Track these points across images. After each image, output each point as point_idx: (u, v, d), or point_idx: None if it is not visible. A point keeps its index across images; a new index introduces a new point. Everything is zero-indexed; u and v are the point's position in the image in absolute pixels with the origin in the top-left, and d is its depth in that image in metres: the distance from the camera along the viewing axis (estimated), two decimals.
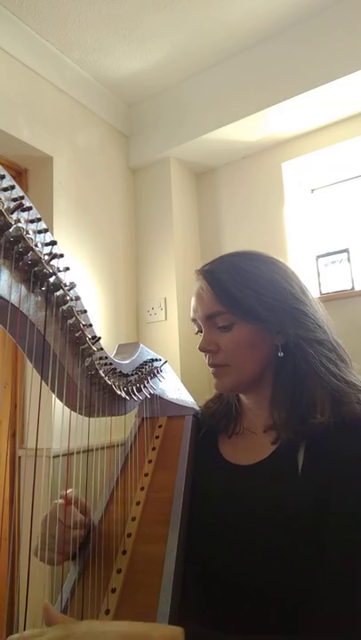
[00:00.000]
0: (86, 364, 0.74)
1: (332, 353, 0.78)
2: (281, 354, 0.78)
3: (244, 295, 0.77)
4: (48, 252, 0.60)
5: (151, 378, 0.96)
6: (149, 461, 0.91)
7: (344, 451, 0.70)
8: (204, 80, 2.20)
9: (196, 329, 0.87)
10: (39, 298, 0.62)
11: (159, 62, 2.10)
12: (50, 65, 1.99)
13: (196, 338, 0.87)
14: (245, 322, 0.78)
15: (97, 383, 0.78)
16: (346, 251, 2.10)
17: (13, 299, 0.56)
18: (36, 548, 0.76)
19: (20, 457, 1.82)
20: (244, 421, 0.88)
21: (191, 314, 0.86)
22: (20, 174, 2.02)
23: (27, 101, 1.89)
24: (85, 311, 0.71)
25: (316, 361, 0.75)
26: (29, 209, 0.55)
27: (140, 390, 0.90)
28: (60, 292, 0.64)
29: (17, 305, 0.56)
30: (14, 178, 1.80)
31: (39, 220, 0.58)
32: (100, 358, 0.77)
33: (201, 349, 0.82)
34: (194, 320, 0.86)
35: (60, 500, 0.78)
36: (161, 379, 1.02)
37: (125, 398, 0.85)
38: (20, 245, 0.55)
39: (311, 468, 0.71)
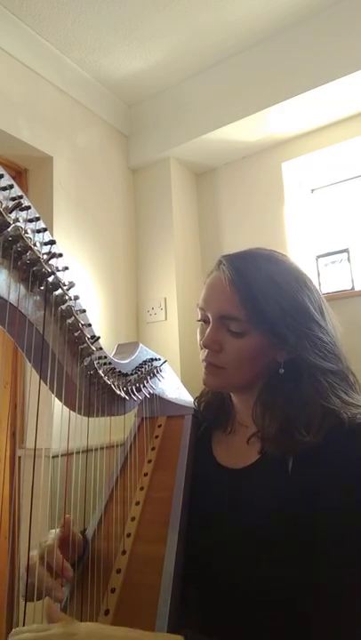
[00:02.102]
0: (85, 364, 0.74)
1: (343, 382, 0.76)
2: (282, 370, 0.77)
3: (271, 311, 0.73)
4: (47, 251, 0.61)
5: (151, 377, 0.96)
6: (149, 461, 0.90)
7: (336, 452, 0.69)
8: (204, 80, 2.20)
9: (200, 317, 0.83)
10: (38, 297, 0.62)
11: (159, 62, 2.10)
12: (50, 65, 1.99)
13: (196, 337, 0.86)
14: (260, 335, 0.75)
15: (96, 383, 0.78)
16: (346, 251, 2.10)
17: (12, 298, 0.56)
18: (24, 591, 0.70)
19: (19, 457, 1.82)
20: (237, 416, 0.87)
21: (201, 302, 0.82)
22: (19, 174, 2.02)
23: (27, 101, 1.89)
24: (84, 310, 0.71)
25: (327, 390, 0.73)
26: (28, 208, 0.55)
27: (139, 390, 0.90)
28: (58, 292, 0.64)
29: (16, 304, 0.56)
30: (14, 178, 1.81)
31: (38, 219, 0.58)
32: (100, 358, 0.77)
33: (205, 346, 0.79)
34: (202, 309, 0.82)
35: (52, 537, 0.74)
36: (160, 378, 1.02)
37: (125, 398, 0.85)
38: (18, 245, 0.55)
39: (301, 468, 0.71)
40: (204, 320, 0.82)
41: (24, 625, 0.59)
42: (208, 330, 0.79)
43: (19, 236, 0.54)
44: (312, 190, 2.32)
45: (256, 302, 0.73)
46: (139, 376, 0.91)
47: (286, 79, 1.97)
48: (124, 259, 2.32)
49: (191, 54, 2.07)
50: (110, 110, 2.32)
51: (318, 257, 2.17)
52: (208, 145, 2.26)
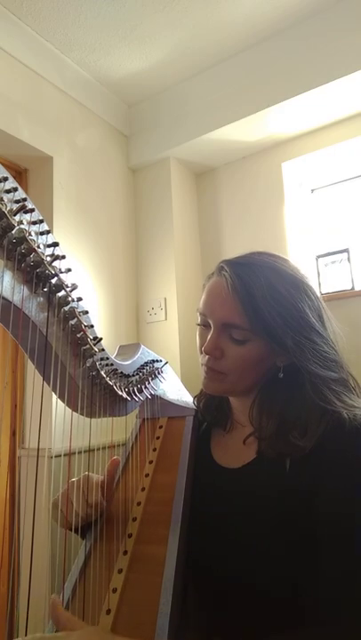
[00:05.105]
0: (88, 365, 0.74)
1: (343, 387, 0.76)
2: (281, 375, 0.77)
3: (273, 319, 0.73)
4: (50, 253, 0.61)
5: (152, 379, 0.97)
6: (150, 462, 0.91)
7: (335, 451, 0.70)
8: (204, 80, 2.20)
9: (200, 321, 0.83)
10: (41, 299, 0.62)
11: (159, 62, 2.10)
12: (50, 65, 1.99)
13: (195, 337, 0.86)
14: (261, 342, 0.76)
15: (98, 384, 0.78)
16: (346, 251, 2.10)
17: (16, 299, 0.56)
18: (55, 503, 0.78)
19: (20, 457, 1.82)
20: (234, 415, 0.88)
21: (201, 307, 0.82)
22: (20, 174, 2.02)
23: (27, 101, 1.89)
24: (87, 312, 0.71)
25: (328, 396, 0.73)
26: (32, 210, 0.56)
27: (141, 391, 0.90)
28: (62, 293, 0.65)
29: (19, 306, 0.57)
30: (14, 178, 1.81)
31: (41, 221, 0.58)
32: (102, 359, 0.77)
33: (206, 352, 0.79)
34: (202, 314, 0.82)
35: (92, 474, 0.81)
36: (162, 379, 1.02)
37: (126, 399, 0.86)
38: (22, 247, 0.55)
39: (299, 467, 0.72)
40: (205, 325, 0.82)
41: (26, 625, 0.59)
42: (209, 336, 0.79)
43: (23, 238, 0.54)
44: (312, 190, 2.32)
45: (258, 310, 0.74)
46: (140, 377, 0.92)
47: (286, 79, 1.97)
48: (124, 258, 2.32)
49: (191, 54, 2.07)
50: (110, 110, 2.32)
51: (318, 257, 2.17)
52: (208, 145, 2.26)
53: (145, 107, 2.38)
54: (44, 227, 0.59)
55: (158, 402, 1.01)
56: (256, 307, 0.74)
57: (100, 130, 2.28)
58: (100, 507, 0.78)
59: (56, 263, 0.61)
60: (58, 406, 0.74)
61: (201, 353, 0.82)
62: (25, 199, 0.54)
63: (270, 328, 0.74)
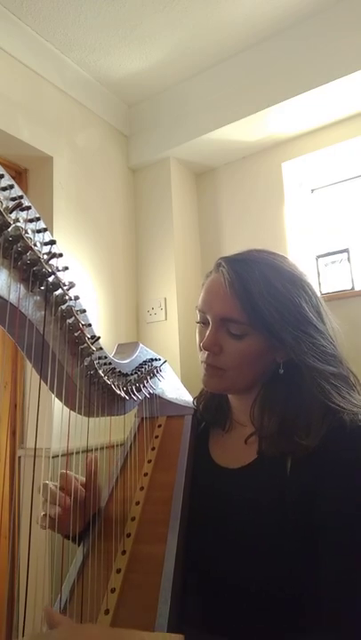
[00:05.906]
0: (85, 364, 0.74)
1: (344, 383, 0.76)
2: (281, 371, 0.77)
3: (271, 315, 0.73)
4: (47, 251, 0.60)
5: (151, 377, 0.96)
6: (149, 461, 0.90)
7: (336, 453, 0.69)
8: (204, 80, 2.20)
9: (199, 319, 0.83)
10: (38, 297, 0.62)
11: (159, 62, 2.10)
12: (50, 65, 1.99)
13: (195, 337, 0.86)
14: (259, 337, 0.76)
15: (96, 383, 0.78)
16: (346, 251, 2.10)
17: (12, 298, 0.56)
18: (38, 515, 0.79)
19: (19, 457, 1.82)
20: (234, 415, 0.88)
21: (200, 304, 0.82)
22: (20, 174, 2.02)
23: (27, 101, 1.89)
24: (84, 311, 0.71)
25: (328, 392, 0.73)
26: (28, 208, 0.55)
27: (139, 390, 0.90)
28: (59, 292, 0.64)
29: (16, 304, 0.56)
30: (14, 178, 1.81)
31: (38, 219, 0.58)
32: (100, 358, 0.77)
33: (205, 348, 0.79)
34: (201, 311, 0.82)
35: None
36: (160, 378, 1.02)
37: (125, 398, 0.85)
38: (18, 245, 0.55)
39: (300, 469, 0.71)
40: (204, 322, 0.82)
41: (24, 625, 0.59)
42: (208, 332, 0.79)
43: (19, 237, 0.54)
44: (312, 190, 2.32)
45: (255, 305, 0.74)
46: (139, 376, 0.91)
47: (286, 79, 1.97)
48: (124, 258, 2.32)
49: (191, 54, 2.07)
50: (110, 110, 2.32)
51: (318, 257, 2.17)
52: (208, 145, 2.26)
53: (145, 107, 2.39)
54: (41, 224, 0.59)
55: (157, 401, 1.00)
56: (252, 301, 0.74)
57: (100, 130, 2.28)
58: (79, 494, 0.80)
59: (53, 261, 0.61)
60: (57, 406, 0.74)
61: (200, 350, 0.82)
62: (21, 197, 0.54)
63: (268, 323, 0.74)
